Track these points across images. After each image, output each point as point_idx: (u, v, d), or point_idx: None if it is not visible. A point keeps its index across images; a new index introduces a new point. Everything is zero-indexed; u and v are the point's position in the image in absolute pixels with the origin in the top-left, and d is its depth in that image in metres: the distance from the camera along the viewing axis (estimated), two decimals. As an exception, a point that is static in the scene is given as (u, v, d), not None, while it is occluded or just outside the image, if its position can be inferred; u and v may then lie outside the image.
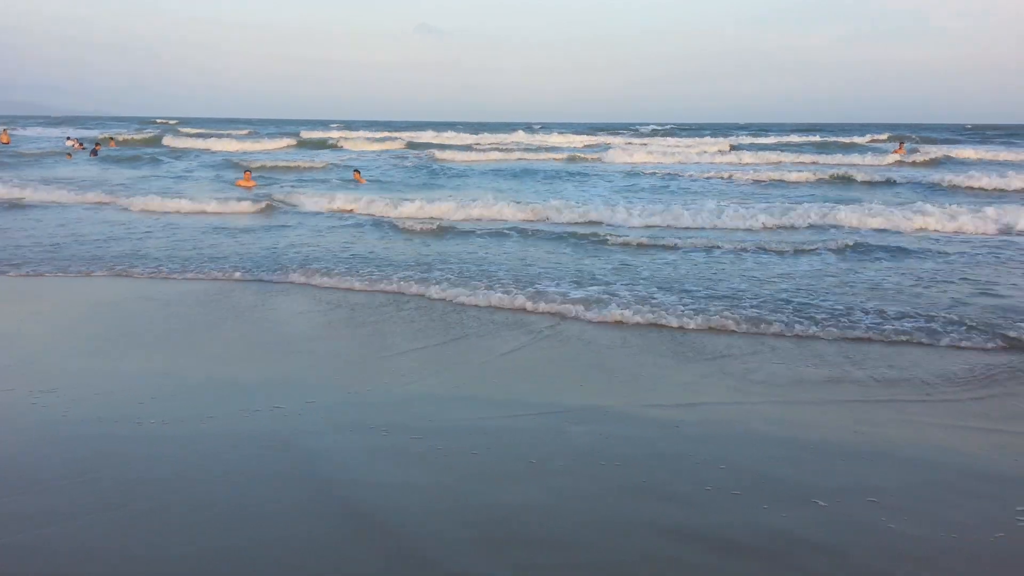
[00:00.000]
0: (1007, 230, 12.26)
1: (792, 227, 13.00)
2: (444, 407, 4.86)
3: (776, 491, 3.76)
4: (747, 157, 30.37)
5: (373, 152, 36.80)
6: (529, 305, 7.31)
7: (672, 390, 5.23)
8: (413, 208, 14.88)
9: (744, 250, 10.39)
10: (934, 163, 27.75)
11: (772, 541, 3.31)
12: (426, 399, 5.02)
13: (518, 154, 34.42)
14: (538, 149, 37.26)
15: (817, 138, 44.16)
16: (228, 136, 43.86)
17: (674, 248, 10.64)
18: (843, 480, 3.87)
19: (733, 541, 3.31)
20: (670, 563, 3.17)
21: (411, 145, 40.95)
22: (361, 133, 52.61)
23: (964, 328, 6.48)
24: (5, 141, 36.01)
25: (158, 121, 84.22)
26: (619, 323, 6.84)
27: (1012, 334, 6.26)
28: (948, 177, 20.25)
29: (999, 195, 18.00)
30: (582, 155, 32.84)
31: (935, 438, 4.40)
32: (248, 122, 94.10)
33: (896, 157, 28.54)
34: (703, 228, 13.08)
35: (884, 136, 46.86)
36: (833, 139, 42.95)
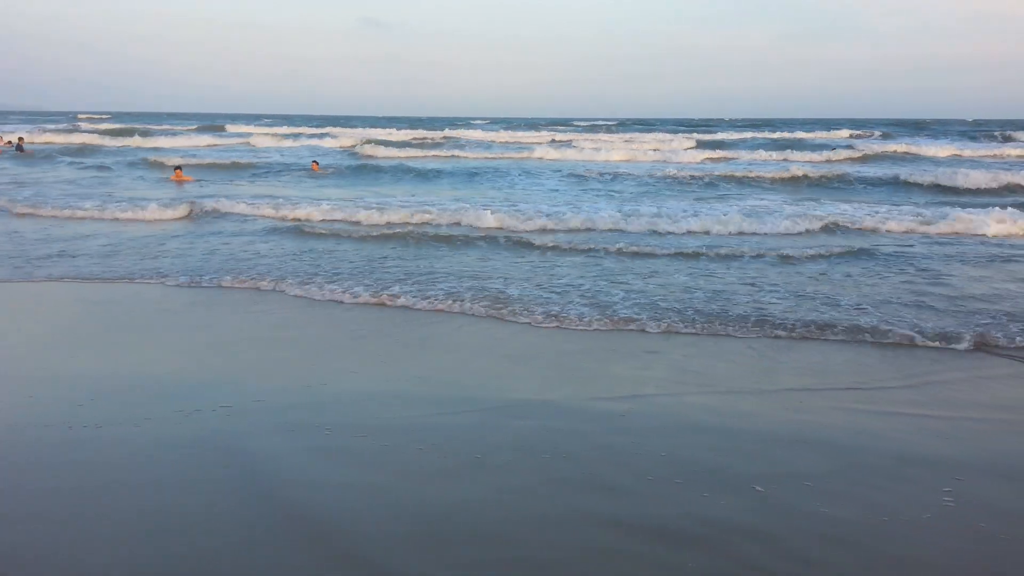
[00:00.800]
0: (929, 222, 12.49)
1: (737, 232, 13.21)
2: (389, 405, 4.80)
3: (715, 480, 3.82)
4: (704, 155, 30.64)
5: (287, 148, 35.38)
6: (477, 308, 7.25)
7: (616, 383, 5.26)
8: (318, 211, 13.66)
9: (732, 256, 10.07)
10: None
11: (709, 529, 3.35)
12: (371, 397, 4.95)
13: (452, 151, 33.22)
14: (485, 145, 36.81)
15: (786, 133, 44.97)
16: (137, 133, 41.77)
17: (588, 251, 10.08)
18: (779, 467, 3.95)
19: (672, 531, 3.35)
20: (610, 555, 3.18)
21: (337, 139, 40.24)
22: (283, 129, 51.74)
23: (896, 322, 6.68)
24: None
25: (80, 116, 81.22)
26: (557, 323, 6.86)
27: (935, 327, 6.49)
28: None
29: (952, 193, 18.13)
30: (514, 154, 31.67)
31: (867, 424, 4.52)
32: (184, 117, 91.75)
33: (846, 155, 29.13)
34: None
35: (847, 133, 48.20)
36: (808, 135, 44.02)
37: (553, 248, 10.22)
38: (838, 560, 3.13)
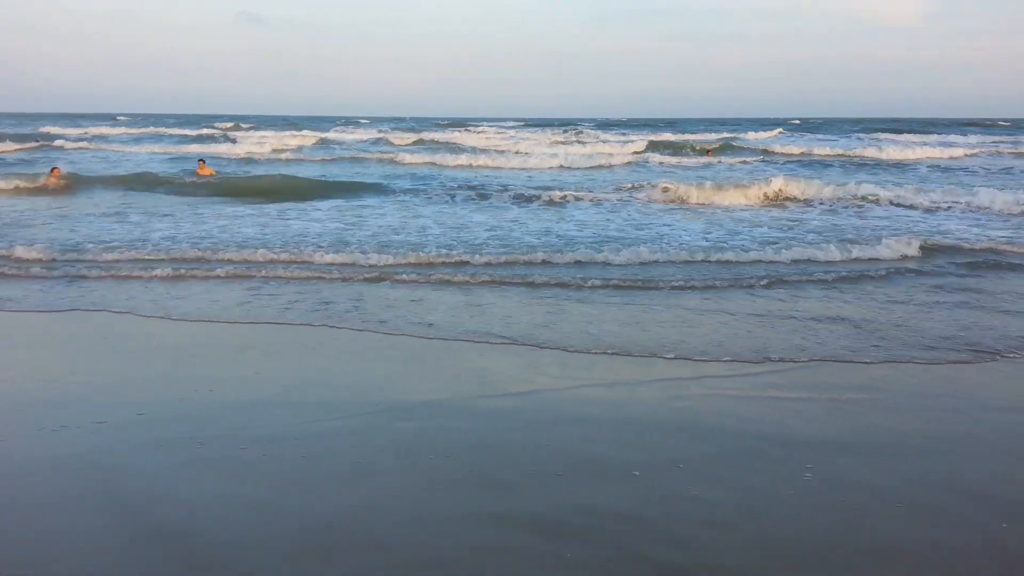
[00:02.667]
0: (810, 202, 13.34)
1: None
2: (266, 414, 4.67)
3: (596, 469, 3.92)
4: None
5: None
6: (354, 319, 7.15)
7: (502, 381, 5.30)
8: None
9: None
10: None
11: (590, 518, 3.44)
12: (247, 406, 4.80)
13: (320, 154, 30.57)
14: (356, 147, 34.50)
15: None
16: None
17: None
18: (656, 454, 4.10)
19: (554, 522, 3.41)
20: (494, 552, 3.22)
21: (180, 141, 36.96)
22: (135, 130, 48.93)
23: (765, 310, 7.05)
24: None
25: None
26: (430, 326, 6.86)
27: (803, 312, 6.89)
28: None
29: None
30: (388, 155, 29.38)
31: (737, 409, 4.76)
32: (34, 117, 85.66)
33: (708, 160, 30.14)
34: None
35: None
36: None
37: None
38: (710, 541, 3.28)
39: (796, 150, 33.05)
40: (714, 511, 3.51)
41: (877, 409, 4.78)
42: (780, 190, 15.96)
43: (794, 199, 15.66)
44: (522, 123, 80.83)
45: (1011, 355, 5.75)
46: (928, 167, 25.33)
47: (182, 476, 3.87)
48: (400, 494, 3.68)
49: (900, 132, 50.50)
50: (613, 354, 5.80)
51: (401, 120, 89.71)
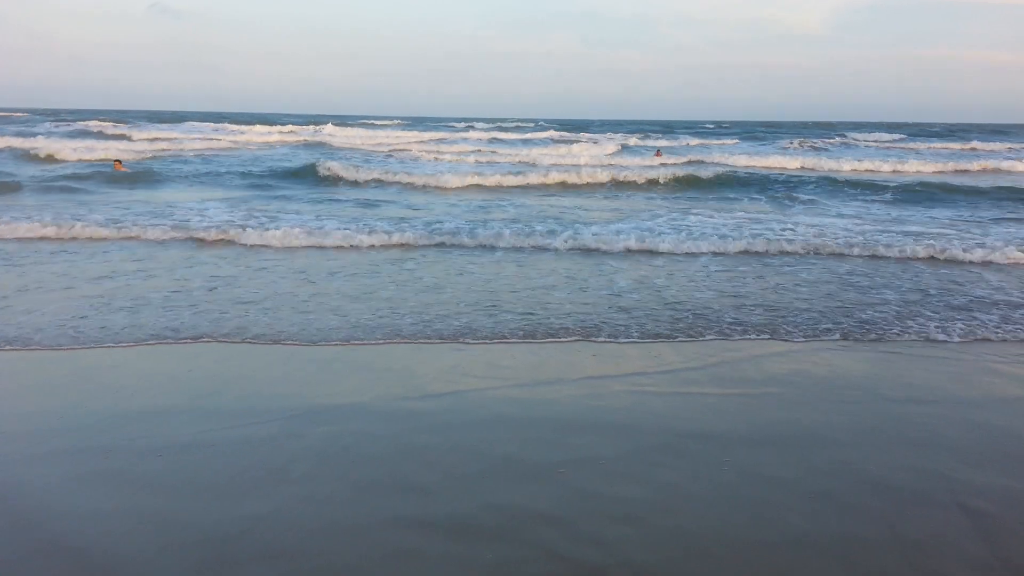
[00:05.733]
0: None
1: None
2: (174, 421, 4.47)
3: (515, 469, 3.90)
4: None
5: None
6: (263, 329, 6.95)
7: (424, 383, 5.22)
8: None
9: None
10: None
11: (508, 519, 3.42)
12: (153, 414, 4.58)
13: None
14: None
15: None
16: None
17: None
18: (575, 452, 4.10)
19: (472, 524, 3.38)
20: (409, 557, 3.16)
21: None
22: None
23: (684, 311, 7.20)
24: None
25: None
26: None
27: (712, 311, 7.06)
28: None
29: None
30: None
31: (656, 406, 4.82)
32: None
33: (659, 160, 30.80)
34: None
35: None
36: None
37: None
38: (627, 538, 3.30)
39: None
40: (630, 508, 3.53)
41: (785, 403, 4.92)
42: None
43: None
44: (408, 122, 79.95)
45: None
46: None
47: (80, 488, 3.67)
48: (313, 501, 3.58)
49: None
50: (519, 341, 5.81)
51: (321, 117, 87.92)
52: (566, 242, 10.43)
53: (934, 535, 3.34)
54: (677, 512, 3.52)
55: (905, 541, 3.30)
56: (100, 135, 37.61)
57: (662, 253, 10.08)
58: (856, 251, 10.14)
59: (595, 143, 37.37)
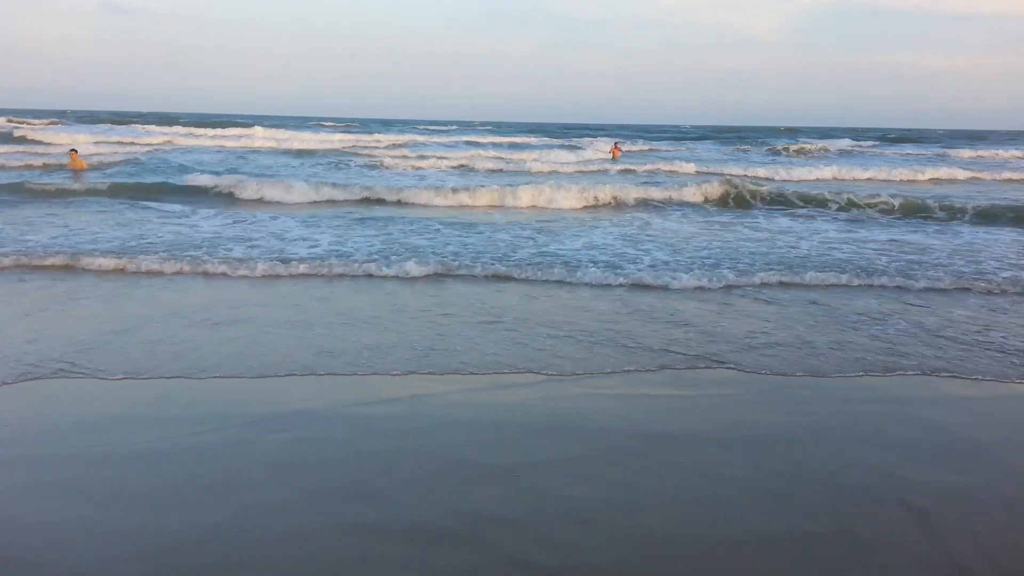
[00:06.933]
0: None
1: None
2: (124, 429, 4.37)
3: (472, 473, 3.89)
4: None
5: None
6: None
7: (382, 387, 5.18)
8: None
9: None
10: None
11: (465, 523, 3.41)
12: (102, 422, 4.47)
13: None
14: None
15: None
16: None
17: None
18: (534, 455, 4.11)
19: (429, 530, 3.36)
20: (364, 563, 3.13)
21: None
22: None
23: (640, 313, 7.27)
24: None
25: None
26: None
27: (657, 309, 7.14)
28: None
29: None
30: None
31: (614, 408, 4.85)
32: None
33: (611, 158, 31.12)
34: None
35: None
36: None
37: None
38: (585, 539, 3.31)
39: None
40: (588, 509, 3.55)
41: (740, 404, 4.99)
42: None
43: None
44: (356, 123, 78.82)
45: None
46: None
47: (29, 499, 3.57)
48: (268, 509, 3.53)
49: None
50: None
51: (275, 118, 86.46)
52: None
53: (881, 532, 3.42)
54: (635, 512, 3.54)
55: (855, 538, 3.37)
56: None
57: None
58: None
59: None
